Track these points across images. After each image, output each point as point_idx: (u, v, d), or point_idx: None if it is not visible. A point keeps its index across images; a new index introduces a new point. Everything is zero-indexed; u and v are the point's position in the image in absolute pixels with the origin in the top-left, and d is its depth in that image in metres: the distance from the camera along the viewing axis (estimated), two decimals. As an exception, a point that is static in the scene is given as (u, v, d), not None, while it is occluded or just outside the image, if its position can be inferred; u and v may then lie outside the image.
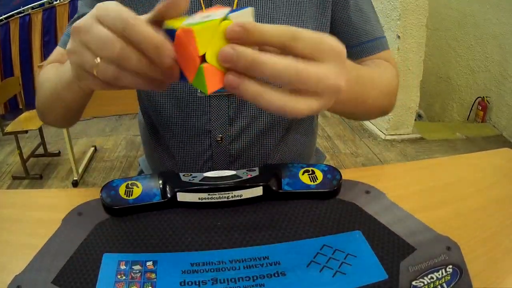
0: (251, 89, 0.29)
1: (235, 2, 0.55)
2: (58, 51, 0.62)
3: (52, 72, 0.52)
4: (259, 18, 0.56)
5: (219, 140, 0.60)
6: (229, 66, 0.29)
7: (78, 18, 0.60)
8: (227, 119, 0.59)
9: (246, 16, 0.31)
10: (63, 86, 0.44)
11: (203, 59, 0.29)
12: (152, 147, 0.69)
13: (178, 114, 0.60)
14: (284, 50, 0.30)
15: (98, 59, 0.31)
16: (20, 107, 2.66)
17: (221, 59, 0.29)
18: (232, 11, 0.30)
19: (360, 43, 0.62)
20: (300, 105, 0.30)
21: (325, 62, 0.31)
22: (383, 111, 0.60)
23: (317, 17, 0.59)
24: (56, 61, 0.60)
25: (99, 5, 0.32)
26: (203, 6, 0.55)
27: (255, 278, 0.37)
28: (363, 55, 0.63)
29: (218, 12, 0.30)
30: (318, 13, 0.59)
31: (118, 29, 0.30)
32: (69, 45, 0.34)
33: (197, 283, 0.36)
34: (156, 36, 0.30)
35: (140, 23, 0.30)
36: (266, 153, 0.63)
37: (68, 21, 3.59)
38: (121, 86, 0.33)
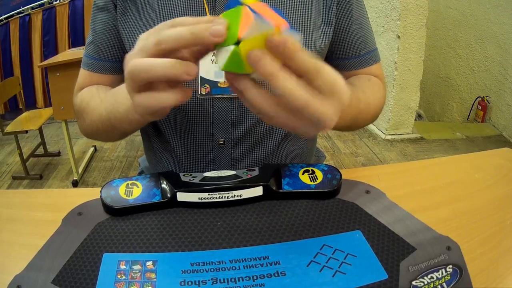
0: (269, 67, 0.31)
1: None
2: (83, 73, 0.63)
3: (96, 102, 0.54)
4: None
5: (222, 144, 0.60)
6: (251, 65, 0.31)
7: (95, 36, 0.61)
8: (230, 123, 0.59)
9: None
10: (117, 119, 0.47)
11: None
12: (154, 148, 0.68)
13: (181, 117, 0.60)
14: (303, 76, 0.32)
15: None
16: (20, 107, 2.66)
17: (249, 56, 0.30)
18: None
19: (358, 55, 0.65)
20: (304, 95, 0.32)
21: (330, 100, 0.33)
22: (367, 124, 0.66)
23: (322, 26, 0.60)
24: (87, 84, 0.62)
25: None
26: (206, 7, 0.55)
27: (255, 278, 0.37)
28: (360, 67, 0.65)
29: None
30: (323, 21, 0.59)
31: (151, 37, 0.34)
32: (126, 88, 0.37)
33: (197, 283, 0.36)
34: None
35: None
36: (267, 156, 0.63)
37: (68, 21, 3.60)
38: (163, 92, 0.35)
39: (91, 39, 0.62)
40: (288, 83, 0.31)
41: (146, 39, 0.35)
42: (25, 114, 2.53)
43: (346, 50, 0.64)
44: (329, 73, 0.32)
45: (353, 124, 0.60)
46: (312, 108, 0.32)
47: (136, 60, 0.34)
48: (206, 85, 0.56)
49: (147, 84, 0.35)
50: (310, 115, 0.32)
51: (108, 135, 0.56)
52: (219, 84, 0.56)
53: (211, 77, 0.55)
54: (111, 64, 0.62)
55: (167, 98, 0.34)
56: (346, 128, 0.61)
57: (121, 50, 0.61)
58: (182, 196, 0.47)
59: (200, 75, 0.55)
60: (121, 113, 0.44)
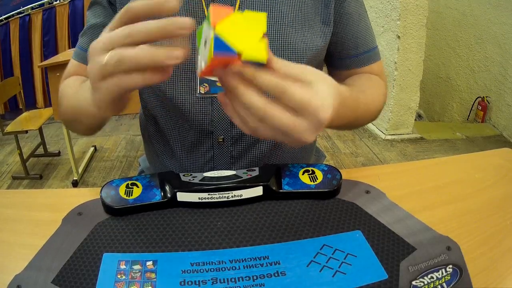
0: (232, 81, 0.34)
1: (237, 5, 0.55)
2: (72, 63, 0.63)
3: (71, 92, 0.54)
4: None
5: (221, 141, 0.60)
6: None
7: (88, 28, 0.61)
8: (229, 121, 0.59)
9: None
10: (81, 112, 0.46)
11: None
12: (154, 147, 0.69)
13: (180, 115, 0.60)
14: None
15: (105, 57, 0.34)
16: (20, 107, 2.66)
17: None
18: None
19: (358, 54, 0.65)
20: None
21: (302, 118, 0.34)
22: (367, 123, 0.65)
23: (320, 26, 0.59)
24: (73, 74, 0.62)
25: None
26: (205, 9, 0.55)
27: (255, 278, 0.37)
28: (360, 66, 0.65)
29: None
30: (321, 21, 0.59)
31: (117, 21, 0.35)
32: (91, 76, 0.37)
33: (197, 283, 0.36)
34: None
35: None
36: (267, 154, 0.63)
37: (68, 21, 3.61)
38: (129, 75, 0.34)
39: (84, 30, 0.62)
40: (250, 97, 0.33)
41: (112, 29, 0.35)
42: (25, 114, 2.53)
43: (345, 49, 0.64)
44: (296, 93, 0.33)
45: (352, 125, 0.60)
46: (280, 123, 0.33)
47: (120, 51, 0.33)
48: (205, 84, 0.56)
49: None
50: (281, 130, 0.34)
51: (74, 124, 0.56)
52: (217, 83, 0.56)
53: (209, 76, 0.55)
54: None
55: (132, 80, 0.34)
56: (344, 128, 0.61)
57: None
58: (182, 196, 0.47)
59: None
60: (84, 103, 0.44)
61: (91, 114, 0.43)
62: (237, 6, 0.55)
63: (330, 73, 0.68)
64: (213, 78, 0.56)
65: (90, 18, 0.61)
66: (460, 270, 0.37)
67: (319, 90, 0.35)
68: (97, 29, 0.61)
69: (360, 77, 0.64)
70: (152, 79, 0.34)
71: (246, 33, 0.32)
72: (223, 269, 0.38)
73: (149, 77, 0.34)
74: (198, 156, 0.62)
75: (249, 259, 0.39)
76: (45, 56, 3.55)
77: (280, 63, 0.35)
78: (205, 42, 0.33)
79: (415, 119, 2.80)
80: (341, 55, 0.65)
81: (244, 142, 0.61)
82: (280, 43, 0.56)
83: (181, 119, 0.60)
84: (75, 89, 0.53)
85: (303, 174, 0.50)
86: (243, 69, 0.32)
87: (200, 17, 0.55)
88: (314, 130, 0.35)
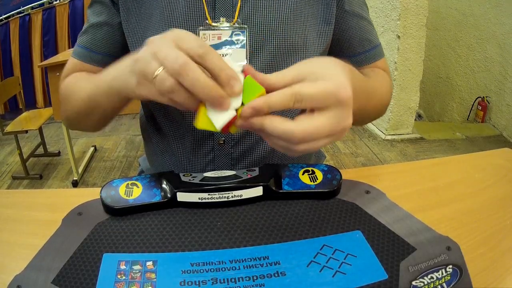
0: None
1: (238, 7, 0.55)
2: (72, 61, 0.63)
3: (82, 84, 0.54)
4: (262, 23, 0.56)
5: (222, 143, 0.60)
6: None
7: (89, 27, 0.61)
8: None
9: (240, 56, 0.38)
10: (101, 95, 0.47)
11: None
12: (154, 148, 0.68)
13: (181, 117, 0.60)
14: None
15: (161, 69, 0.35)
16: (20, 107, 2.66)
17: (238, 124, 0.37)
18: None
19: (363, 52, 0.65)
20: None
21: (329, 111, 0.36)
22: (374, 119, 0.65)
23: (320, 26, 0.59)
24: (74, 72, 0.61)
25: (174, 31, 0.37)
26: (207, 12, 0.55)
27: (255, 278, 0.37)
28: (365, 63, 0.65)
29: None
30: (322, 20, 0.59)
31: (194, 50, 0.35)
32: (139, 54, 0.38)
33: (197, 283, 0.36)
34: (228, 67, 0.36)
35: (216, 53, 0.36)
36: (267, 155, 0.63)
37: (68, 21, 3.61)
38: (171, 101, 0.37)
39: (85, 29, 0.62)
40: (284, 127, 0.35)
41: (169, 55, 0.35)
42: (25, 114, 2.53)
43: (352, 47, 0.64)
44: (311, 90, 0.35)
45: (364, 111, 0.56)
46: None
47: (174, 86, 0.35)
48: None
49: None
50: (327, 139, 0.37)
51: (87, 117, 0.55)
52: None
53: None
54: (102, 57, 0.61)
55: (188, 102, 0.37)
56: (358, 114, 0.58)
57: (113, 44, 0.61)
58: (182, 196, 0.47)
59: None
60: (105, 84, 0.45)
61: (116, 96, 0.44)
62: (238, 5, 0.55)
63: None
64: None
65: (91, 16, 0.61)
66: (460, 270, 0.37)
67: (325, 76, 0.36)
68: (99, 28, 0.60)
69: (363, 68, 0.65)
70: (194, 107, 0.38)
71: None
72: (223, 269, 0.38)
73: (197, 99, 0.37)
74: (198, 157, 0.62)
75: (249, 259, 0.39)
76: (45, 56, 3.56)
77: (274, 77, 0.36)
78: None
79: (415, 119, 2.80)
80: (347, 54, 0.65)
81: (245, 144, 0.61)
82: (277, 40, 0.56)
83: (182, 121, 0.60)
84: (87, 81, 0.53)
85: (303, 174, 0.50)
86: (258, 110, 0.35)
87: (201, 19, 0.55)
88: (347, 111, 0.36)
